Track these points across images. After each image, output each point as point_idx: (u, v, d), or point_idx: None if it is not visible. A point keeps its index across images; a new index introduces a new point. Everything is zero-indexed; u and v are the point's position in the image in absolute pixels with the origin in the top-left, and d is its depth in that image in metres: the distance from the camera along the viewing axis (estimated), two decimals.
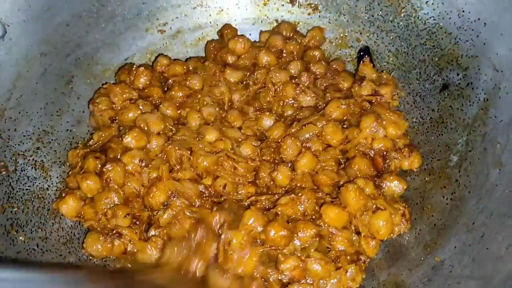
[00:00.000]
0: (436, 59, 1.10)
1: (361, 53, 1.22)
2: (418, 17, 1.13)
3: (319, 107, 1.13)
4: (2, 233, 0.89)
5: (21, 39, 1.05)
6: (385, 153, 1.05)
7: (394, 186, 1.01)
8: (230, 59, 1.20)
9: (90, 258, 0.97)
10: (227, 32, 1.25)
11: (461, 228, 0.89)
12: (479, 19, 1.01)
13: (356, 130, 1.06)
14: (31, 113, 1.07)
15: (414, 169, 1.05)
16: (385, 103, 1.11)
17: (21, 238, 0.91)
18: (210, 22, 1.30)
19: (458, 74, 1.05)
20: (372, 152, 1.05)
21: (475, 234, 0.85)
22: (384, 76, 1.16)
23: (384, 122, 1.06)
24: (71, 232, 1.00)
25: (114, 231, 0.95)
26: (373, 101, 1.11)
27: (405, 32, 1.16)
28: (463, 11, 1.04)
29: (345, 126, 1.09)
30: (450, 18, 1.07)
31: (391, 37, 1.18)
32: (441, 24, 1.09)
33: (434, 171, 1.02)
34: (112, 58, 1.22)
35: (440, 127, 1.05)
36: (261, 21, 1.30)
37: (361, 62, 1.18)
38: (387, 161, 1.04)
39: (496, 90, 0.96)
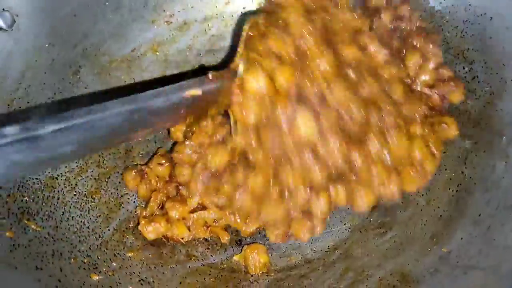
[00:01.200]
0: (442, 52, 1.11)
1: None
2: (424, 11, 1.14)
3: None
4: (14, 221, 0.90)
5: (29, 29, 1.05)
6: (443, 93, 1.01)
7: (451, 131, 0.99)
8: None
9: (100, 247, 0.98)
10: None
11: (467, 220, 0.90)
12: (485, 13, 1.02)
13: (398, 61, 1.02)
14: (39, 103, 1.07)
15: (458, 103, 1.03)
16: (417, 30, 1.06)
17: (32, 226, 0.92)
18: (217, 14, 1.30)
19: (464, 68, 1.06)
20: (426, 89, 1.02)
21: (481, 225, 0.86)
22: None
23: (426, 55, 1.03)
24: (81, 221, 1.00)
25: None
26: (403, 29, 1.07)
27: None
28: (470, 5, 1.05)
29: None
30: (456, 12, 1.08)
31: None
32: (447, 18, 1.10)
33: (440, 163, 1.03)
34: (119, 48, 1.22)
35: None
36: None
37: None
38: (445, 100, 1.01)
39: (502, 84, 0.97)
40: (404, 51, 1.04)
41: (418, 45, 1.04)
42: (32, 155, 0.67)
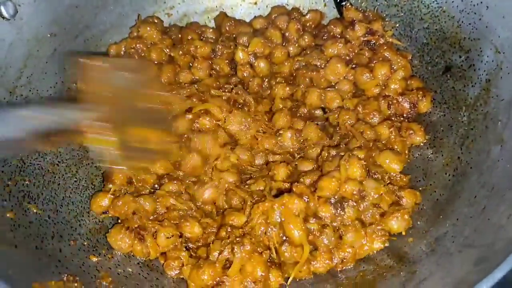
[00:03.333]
0: (439, 42, 1.13)
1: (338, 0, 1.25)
2: (421, 1, 1.16)
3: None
4: (15, 204, 0.91)
5: (31, 19, 1.07)
6: (413, 99, 1.08)
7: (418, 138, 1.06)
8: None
9: (100, 230, 0.99)
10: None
11: (463, 202, 0.91)
12: (481, 2, 1.03)
13: (366, 70, 1.09)
14: (41, 91, 1.08)
15: (424, 112, 1.10)
16: (388, 44, 1.14)
17: (33, 210, 0.93)
18: (216, 6, 1.32)
19: (460, 57, 1.07)
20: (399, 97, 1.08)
21: (476, 207, 0.87)
22: (370, 14, 1.19)
23: (395, 67, 1.10)
24: (81, 206, 1.01)
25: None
26: (375, 43, 1.14)
27: (409, 16, 1.18)
28: None
29: (353, 66, 1.13)
30: (453, 1, 1.09)
31: (395, 22, 1.20)
32: (444, 7, 1.12)
33: (436, 149, 1.05)
34: (120, 39, 1.24)
35: (443, 108, 1.08)
36: (266, 5, 1.32)
37: (343, 8, 1.21)
38: (415, 108, 1.08)
39: (498, 71, 0.98)
40: (374, 61, 1.11)
41: (388, 57, 1.11)
42: None
